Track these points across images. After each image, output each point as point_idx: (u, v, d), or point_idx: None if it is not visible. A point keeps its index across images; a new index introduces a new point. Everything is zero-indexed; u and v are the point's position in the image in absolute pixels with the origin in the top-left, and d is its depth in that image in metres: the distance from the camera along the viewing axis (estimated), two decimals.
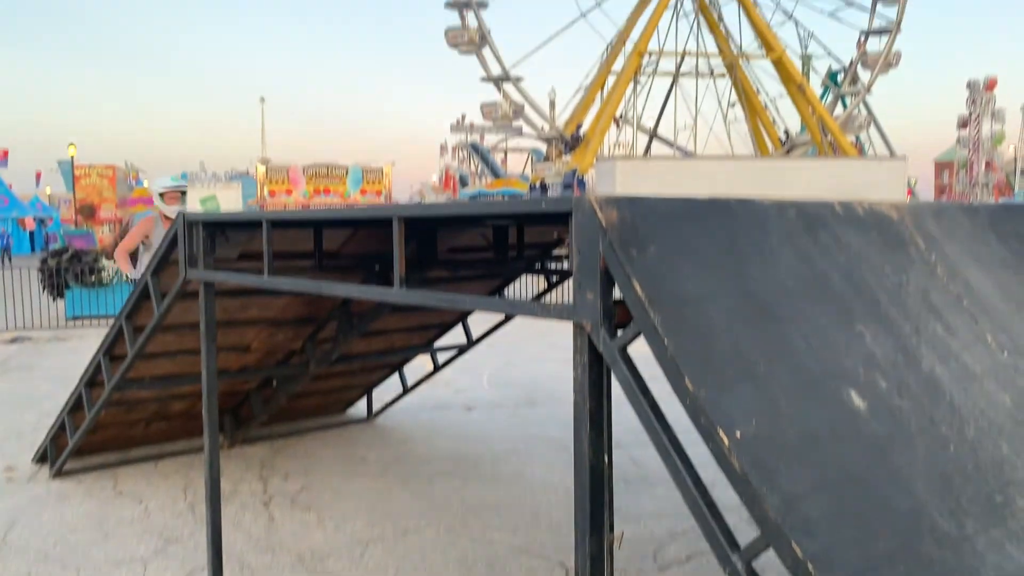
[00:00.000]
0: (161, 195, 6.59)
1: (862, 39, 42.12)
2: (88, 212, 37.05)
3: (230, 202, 33.46)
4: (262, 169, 40.99)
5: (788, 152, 40.07)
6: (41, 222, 47.54)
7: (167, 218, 6.45)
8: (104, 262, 14.15)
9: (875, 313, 2.24)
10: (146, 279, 4.30)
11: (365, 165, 42.12)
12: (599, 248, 1.94)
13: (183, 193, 6.63)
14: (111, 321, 4.86)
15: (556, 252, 5.79)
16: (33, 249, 43.94)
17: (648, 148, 42.47)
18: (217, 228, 3.81)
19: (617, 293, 1.95)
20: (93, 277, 14.07)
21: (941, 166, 65.79)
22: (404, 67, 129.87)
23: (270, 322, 5.33)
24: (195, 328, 4.19)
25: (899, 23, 41.52)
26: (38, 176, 55.02)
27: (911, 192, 42.75)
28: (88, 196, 38.18)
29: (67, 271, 14.14)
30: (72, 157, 36.64)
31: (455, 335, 6.70)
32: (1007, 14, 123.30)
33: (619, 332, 1.93)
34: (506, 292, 6.48)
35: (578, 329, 2.01)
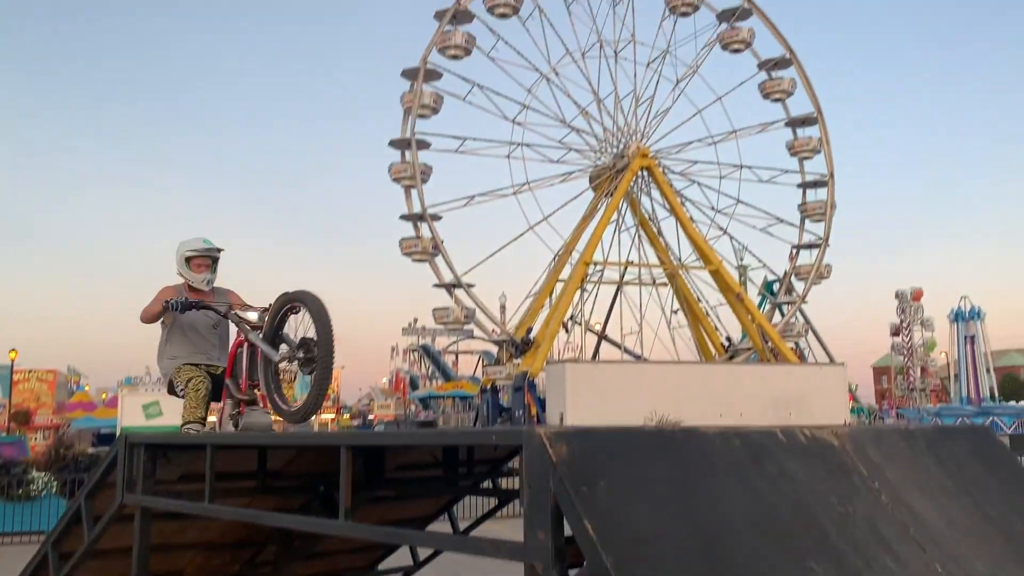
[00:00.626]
0: (187, 260, 5.41)
1: (793, 252, 44.68)
2: (23, 418, 35.76)
3: (175, 409, 32.89)
4: None
5: (731, 358, 41.11)
6: None
7: (192, 288, 5.36)
8: (34, 473, 13.50)
9: (825, 546, 2.24)
10: (79, 502, 4.12)
11: None
12: (549, 484, 1.95)
13: (215, 260, 5.46)
14: (35, 538, 4.57)
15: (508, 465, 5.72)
16: None
17: (597, 351, 43.22)
18: (159, 450, 3.73)
19: (568, 529, 1.94)
20: (20, 490, 13.35)
21: (879, 371, 67.94)
22: (358, 271, 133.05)
23: (207, 546, 5.07)
24: (127, 553, 3.98)
25: (827, 238, 44.35)
26: None
27: (852, 397, 43.77)
28: (24, 401, 37.04)
29: None
30: (12, 361, 35.84)
31: (401, 554, 6.42)
32: (929, 229, 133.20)
33: (571, 573, 1.90)
34: (455, 508, 6.31)
35: (529, 569, 1.97)
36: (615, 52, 42.89)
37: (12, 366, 36.51)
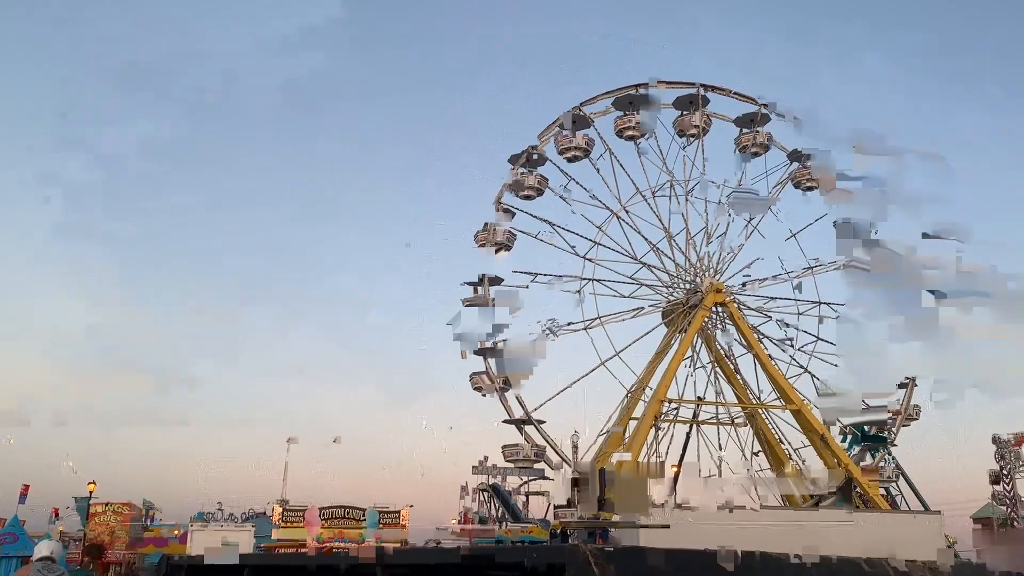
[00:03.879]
0: None
1: None
2: (96, 552, 35.88)
3: (241, 545, 32.79)
4: (279, 510, 40.42)
5: (817, 504, 38.94)
6: None
7: None
8: None
9: None
10: None
11: (382, 507, 41.43)
12: None
13: None
14: None
15: None
16: None
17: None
18: (199, 572, 3.58)
19: None
20: None
21: (979, 523, 63.24)
22: (432, 408, 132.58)
23: None
24: None
25: (914, 377, 42.63)
26: (55, 513, 54.36)
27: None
28: (99, 535, 37.30)
29: None
30: (90, 493, 36.48)
31: None
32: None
33: None
34: None
35: None
36: (686, 191, 43.59)
37: (89, 498, 37.06)
